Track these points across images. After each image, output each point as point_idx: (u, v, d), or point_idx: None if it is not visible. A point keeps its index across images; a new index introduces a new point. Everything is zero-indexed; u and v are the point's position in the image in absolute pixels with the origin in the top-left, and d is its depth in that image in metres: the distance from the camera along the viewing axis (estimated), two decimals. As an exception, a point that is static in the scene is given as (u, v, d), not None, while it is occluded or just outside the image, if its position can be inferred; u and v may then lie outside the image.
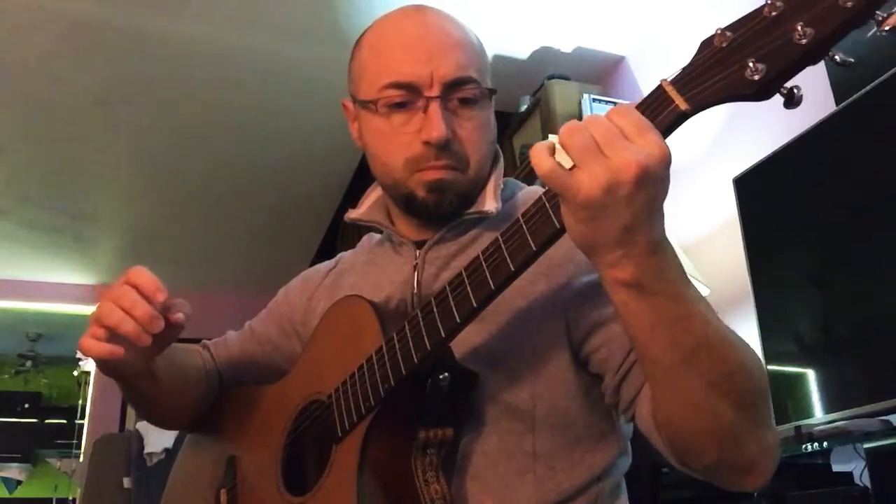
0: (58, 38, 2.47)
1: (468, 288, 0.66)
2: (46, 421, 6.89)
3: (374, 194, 0.96)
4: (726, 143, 2.08)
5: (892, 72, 1.39)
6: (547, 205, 0.60)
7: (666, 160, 0.53)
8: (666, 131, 0.54)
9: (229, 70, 2.69)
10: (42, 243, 4.18)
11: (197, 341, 1.06)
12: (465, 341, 0.75)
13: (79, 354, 0.78)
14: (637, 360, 0.68)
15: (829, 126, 1.54)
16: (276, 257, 4.20)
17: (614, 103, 2.36)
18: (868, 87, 1.45)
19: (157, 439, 2.94)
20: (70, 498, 5.78)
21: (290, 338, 1.01)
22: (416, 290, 0.85)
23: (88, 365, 4.81)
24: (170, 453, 2.92)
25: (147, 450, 2.96)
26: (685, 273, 0.59)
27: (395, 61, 0.82)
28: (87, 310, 4.41)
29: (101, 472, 3.01)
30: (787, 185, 1.66)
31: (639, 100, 0.56)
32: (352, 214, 0.94)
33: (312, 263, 1.09)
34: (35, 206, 3.73)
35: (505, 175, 0.91)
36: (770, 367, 1.57)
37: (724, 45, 0.52)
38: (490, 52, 0.90)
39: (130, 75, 2.69)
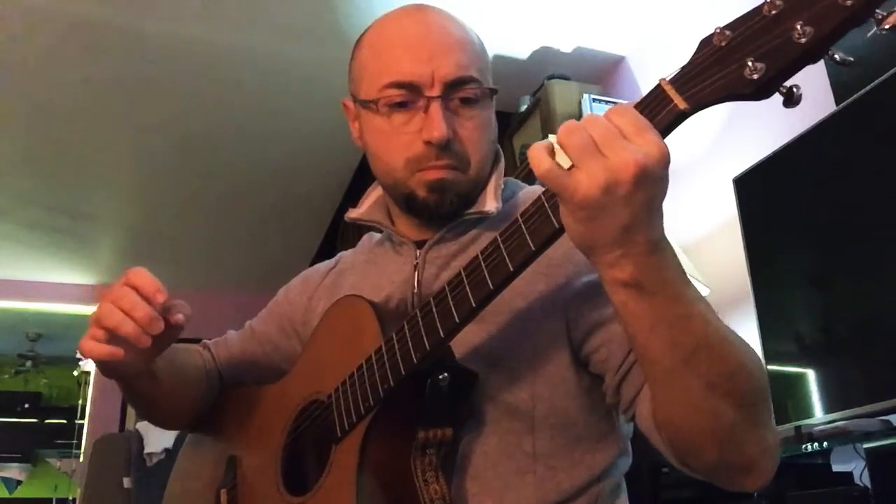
0: (58, 38, 2.47)
1: (467, 288, 0.66)
2: (46, 421, 6.89)
3: (374, 194, 0.96)
4: (726, 143, 2.08)
5: (892, 72, 1.39)
6: (546, 205, 0.60)
7: (665, 160, 0.53)
8: (665, 131, 0.54)
9: (229, 70, 2.69)
10: (42, 243, 4.18)
11: (197, 341, 1.06)
12: (464, 341, 0.75)
13: (79, 354, 0.78)
14: (637, 359, 0.68)
15: (829, 126, 1.54)
16: (276, 257, 4.20)
17: (614, 103, 2.35)
18: (868, 87, 1.44)
19: (157, 439, 2.94)
20: (70, 498, 5.78)
21: (291, 337, 1.01)
22: (416, 290, 0.84)
23: (88, 365, 4.81)
24: (170, 453, 2.92)
25: (147, 450, 2.96)
26: (685, 273, 0.59)
27: (396, 61, 0.82)
28: (87, 310, 4.44)
29: (101, 472, 3.01)
30: (787, 185, 1.65)
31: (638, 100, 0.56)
32: (352, 214, 0.94)
33: (312, 263, 1.09)
34: (35, 206, 3.73)
35: (505, 175, 0.91)
36: (770, 367, 1.57)
37: (723, 43, 0.52)
38: (490, 52, 0.90)
39: (130, 75, 2.69)
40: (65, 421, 6.43)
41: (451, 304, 0.68)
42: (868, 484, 1.41)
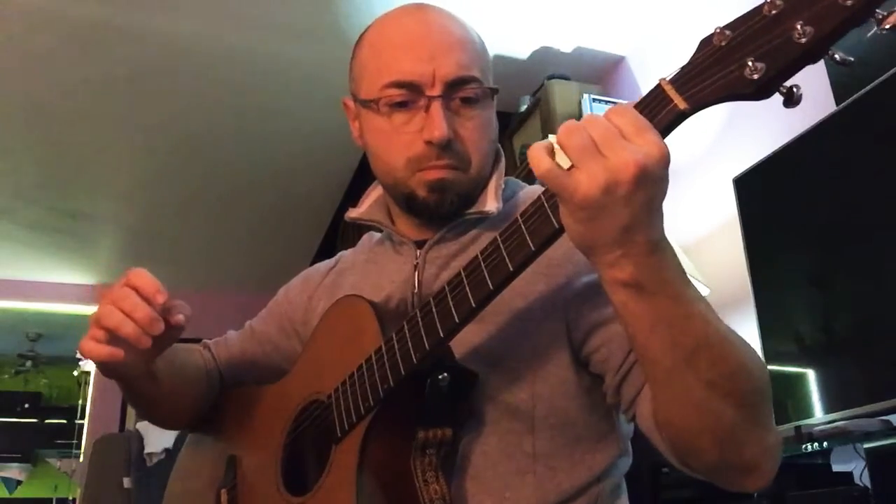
0: (58, 38, 2.47)
1: (467, 288, 0.66)
2: (46, 421, 6.89)
3: (374, 193, 0.96)
4: (726, 143, 2.08)
5: (892, 72, 1.39)
6: (546, 205, 0.60)
7: (664, 160, 0.53)
8: (665, 131, 0.54)
9: (229, 70, 2.69)
10: (42, 243, 4.18)
11: (197, 341, 1.06)
12: (464, 341, 0.75)
13: (79, 355, 0.78)
14: (637, 360, 0.68)
15: (829, 126, 1.54)
16: (276, 257, 4.20)
17: (614, 103, 2.35)
18: (868, 87, 1.44)
19: (157, 439, 2.95)
20: (70, 498, 5.78)
21: (291, 337, 1.01)
22: (416, 290, 0.84)
23: (88, 365, 4.81)
24: (170, 453, 2.92)
25: (147, 450, 2.96)
26: (685, 273, 0.59)
27: (397, 60, 0.82)
28: (87, 310, 4.44)
29: (101, 472, 3.01)
30: (787, 185, 1.66)
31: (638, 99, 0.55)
32: (352, 213, 0.94)
33: (312, 263, 1.09)
34: (35, 206, 3.73)
35: (505, 175, 0.91)
36: (770, 367, 1.57)
37: (723, 43, 0.52)
38: (490, 52, 0.90)
39: (130, 75, 2.69)
40: (65, 421, 6.43)
41: (450, 305, 0.67)
42: (868, 484, 1.41)
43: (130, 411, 4.38)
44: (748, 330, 1.64)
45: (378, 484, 0.73)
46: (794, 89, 0.50)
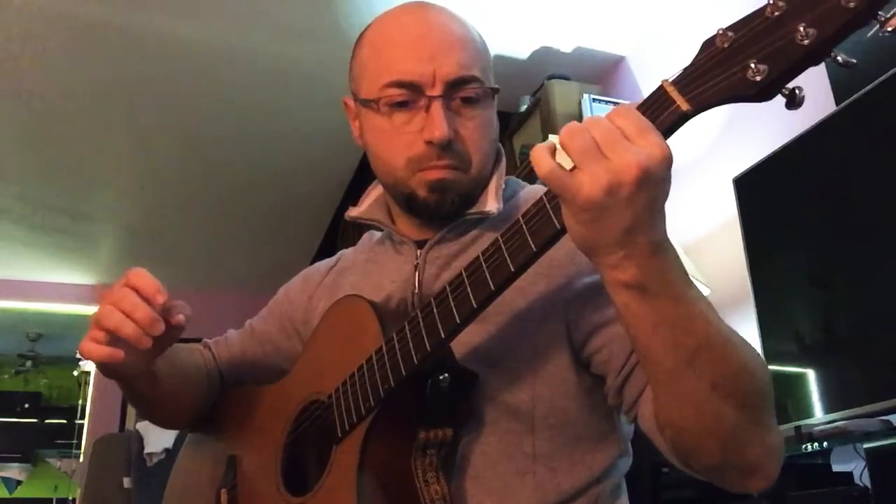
0: (58, 39, 2.47)
1: (468, 288, 0.66)
2: (46, 421, 6.89)
3: (374, 192, 0.96)
4: (726, 143, 2.08)
5: (892, 72, 1.39)
6: (547, 205, 0.60)
7: (667, 161, 0.53)
8: (667, 132, 0.54)
9: (229, 70, 2.68)
10: (42, 243, 4.18)
11: (197, 341, 1.06)
12: (464, 342, 0.75)
13: (79, 355, 0.78)
14: (639, 361, 0.68)
15: (829, 126, 1.54)
16: (276, 257, 4.20)
17: (614, 103, 2.36)
18: (868, 87, 1.45)
19: (157, 439, 2.94)
20: (70, 498, 5.78)
21: (291, 337, 1.01)
22: (416, 290, 0.84)
23: (88, 365, 4.82)
24: (170, 453, 2.92)
25: (147, 450, 2.96)
26: (687, 274, 0.59)
27: (397, 60, 0.82)
28: (88, 310, 4.44)
29: (101, 472, 3.01)
30: (787, 185, 1.66)
31: (639, 100, 0.55)
32: (352, 213, 0.94)
33: (312, 263, 1.09)
34: (35, 206, 3.73)
35: (505, 175, 0.91)
36: (770, 367, 1.57)
37: (725, 45, 0.52)
38: (490, 52, 0.90)
39: (130, 75, 2.69)
40: (65, 421, 6.43)
41: (452, 305, 0.67)
42: (868, 484, 1.41)
43: (130, 411, 4.39)
44: (748, 330, 1.64)
45: (379, 484, 0.73)
46: (797, 91, 0.51)
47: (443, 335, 0.68)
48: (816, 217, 1.58)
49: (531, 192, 0.91)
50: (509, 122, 2.57)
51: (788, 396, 1.54)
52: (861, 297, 1.46)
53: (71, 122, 2.99)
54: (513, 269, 0.62)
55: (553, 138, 0.55)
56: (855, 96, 1.48)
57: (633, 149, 0.52)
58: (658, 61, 2.48)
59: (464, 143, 0.82)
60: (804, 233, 1.61)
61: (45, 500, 6.36)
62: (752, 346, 0.64)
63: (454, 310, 0.67)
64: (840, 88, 1.68)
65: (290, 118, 3.01)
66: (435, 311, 0.69)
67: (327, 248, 3.82)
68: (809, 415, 1.48)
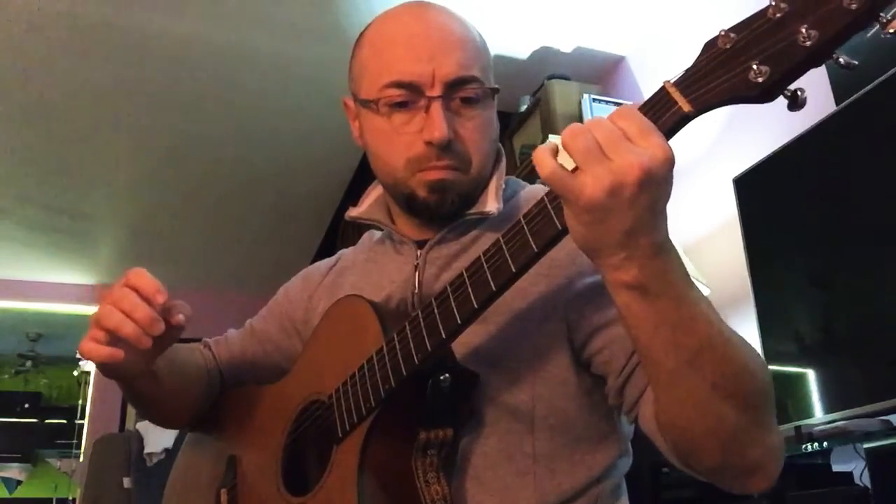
0: (58, 39, 2.47)
1: (469, 289, 0.66)
2: (46, 421, 6.88)
3: (374, 192, 0.96)
4: (726, 143, 2.08)
5: (892, 72, 1.39)
6: (549, 206, 0.60)
7: (669, 162, 0.53)
8: (669, 133, 0.54)
9: (229, 70, 2.68)
10: (42, 243, 4.18)
11: (197, 341, 1.06)
12: (464, 342, 0.75)
13: (79, 355, 0.78)
14: (640, 362, 0.68)
15: (829, 126, 1.54)
16: (276, 257, 4.20)
17: (614, 103, 2.36)
18: (868, 87, 1.45)
19: (157, 439, 2.94)
20: (70, 498, 5.78)
21: (291, 336, 1.01)
22: (416, 290, 0.84)
23: (88, 365, 4.81)
24: (170, 453, 2.92)
25: (147, 450, 2.96)
26: (688, 274, 0.59)
27: (397, 60, 0.81)
28: (87, 310, 4.44)
29: (101, 472, 3.01)
30: (787, 185, 1.66)
31: (640, 100, 0.55)
32: (352, 212, 0.94)
33: (312, 263, 1.09)
34: (35, 206, 3.72)
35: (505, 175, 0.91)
36: (770, 367, 1.57)
37: (727, 46, 0.52)
38: (490, 52, 0.90)
39: (130, 75, 2.69)
40: (65, 421, 6.42)
41: (453, 305, 0.67)
42: (868, 484, 1.41)
43: (130, 411, 4.38)
44: (748, 330, 1.64)
45: (379, 484, 0.73)
46: (799, 92, 0.51)
47: (444, 335, 0.68)
48: (816, 217, 1.58)
49: (531, 192, 0.91)
50: (509, 122, 2.57)
51: (788, 396, 1.54)
52: (861, 297, 1.46)
53: (70, 123, 2.98)
54: (514, 270, 0.62)
55: (554, 139, 0.55)
56: (855, 96, 1.48)
57: (635, 150, 0.52)
58: (658, 61, 2.48)
59: (464, 144, 0.82)
60: (804, 233, 1.61)
61: (45, 500, 6.35)
62: (752, 346, 0.64)
63: (455, 310, 0.67)
64: (840, 88, 1.68)
65: (290, 118, 3.01)
66: (436, 311, 0.69)
67: (327, 248, 3.82)
68: (809, 415, 1.48)
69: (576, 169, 0.54)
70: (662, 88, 0.55)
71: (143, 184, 3.57)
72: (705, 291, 1.81)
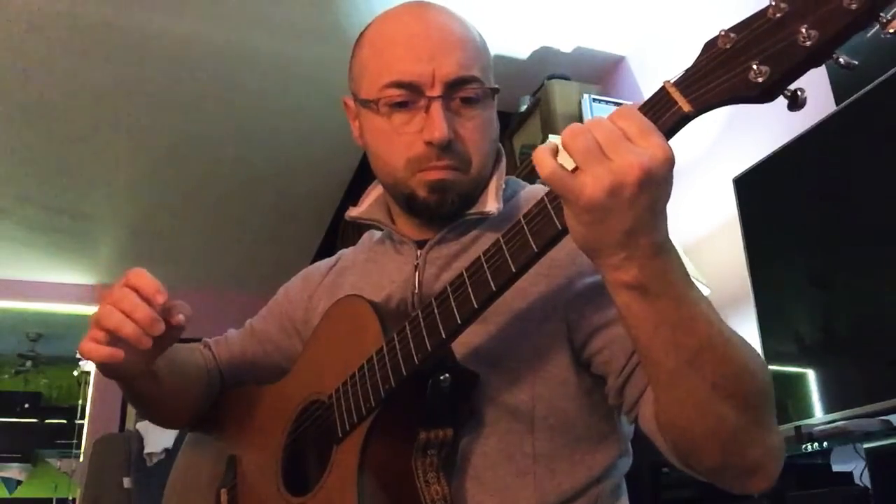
0: (58, 39, 2.47)
1: (469, 289, 0.66)
2: (46, 421, 6.88)
3: (374, 192, 0.96)
4: (726, 143, 2.08)
5: (892, 72, 1.39)
6: (549, 206, 0.60)
7: (669, 162, 0.53)
8: (669, 133, 0.54)
9: (229, 70, 2.68)
10: (42, 243, 4.18)
11: (197, 341, 1.06)
12: (465, 342, 0.75)
13: (79, 355, 0.78)
14: (640, 362, 0.68)
15: (829, 126, 1.54)
16: (276, 257, 4.20)
17: (614, 103, 2.36)
18: (868, 87, 1.45)
19: (157, 439, 2.94)
20: (70, 498, 5.78)
21: (291, 336, 1.01)
22: (416, 290, 0.84)
23: (88, 365, 4.81)
24: (170, 453, 2.92)
25: (147, 450, 2.96)
26: (688, 274, 0.59)
27: (397, 60, 0.81)
28: (87, 310, 4.44)
29: (101, 472, 3.01)
30: (787, 185, 1.66)
31: (640, 100, 0.55)
32: (352, 212, 0.94)
33: (312, 263, 1.09)
34: (35, 206, 3.72)
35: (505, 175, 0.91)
36: (770, 367, 1.57)
37: (727, 46, 0.52)
38: (490, 52, 0.90)
39: (130, 75, 2.69)
40: (65, 421, 6.42)
41: (453, 305, 0.67)
42: (868, 484, 1.41)
43: (130, 411, 4.38)
44: (748, 330, 1.64)
45: (379, 484, 0.73)
46: (799, 92, 0.51)
47: (444, 335, 0.68)
48: (816, 217, 1.58)
49: (531, 192, 0.91)
50: (509, 122, 2.57)
51: (788, 396, 1.54)
52: (861, 297, 1.46)
53: (70, 123, 2.98)
54: (514, 270, 0.62)
55: (554, 139, 0.55)
56: (855, 96, 1.48)
57: (635, 150, 0.52)
58: (658, 61, 2.48)
59: (463, 144, 0.82)
60: (804, 233, 1.61)
61: (45, 500, 6.35)
62: (752, 346, 0.64)
63: (455, 310, 0.67)
64: (840, 88, 1.68)
65: (289, 118, 3.01)
66: (436, 311, 0.69)
67: (327, 248, 3.82)
68: (809, 415, 1.48)
69: (576, 169, 0.54)
70: (662, 88, 0.55)
71: (143, 184, 3.57)
72: (705, 291, 1.81)
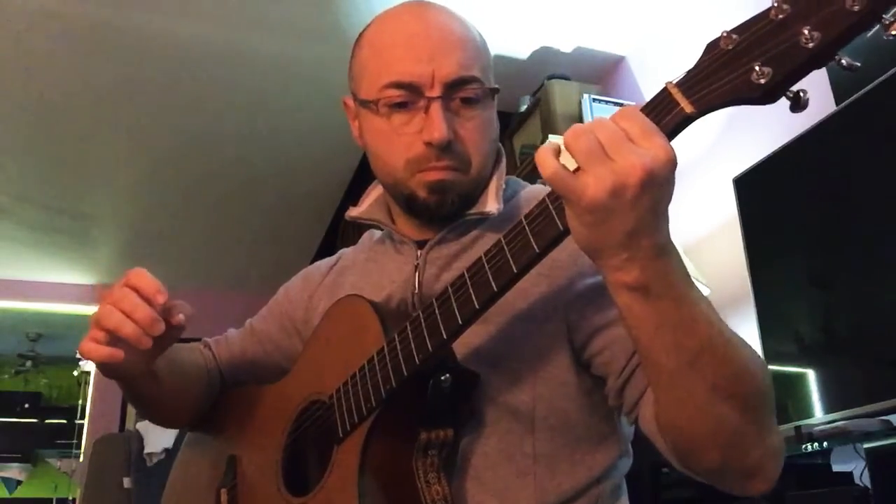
0: (58, 39, 2.47)
1: (470, 289, 0.66)
2: (46, 421, 6.88)
3: (374, 192, 0.96)
4: (726, 143, 2.08)
5: (892, 72, 1.39)
6: (550, 207, 0.60)
7: (671, 163, 0.53)
8: (671, 134, 0.54)
9: (229, 70, 2.68)
10: (42, 243, 4.18)
11: (197, 341, 1.06)
12: (465, 342, 0.75)
13: (79, 355, 0.78)
14: (640, 363, 0.68)
15: (829, 126, 1.54)
16: (276, 257, 4.20)
17: (614, 103, 2.36)
18: (868, 87, 1.45)
19: (157, 439, 2.94)
20: (70, 498, 5.78)
21: (291, 336, 1.01)
22: (416, 290, 0.84)
23: (88, 365, 4.81)
24: (170, 453, 2.92)
25: (147, 450, 2.96)
26: (689, 276, 0.59)
27: (396, 60, 0.81)
28: (87, 310, 4.44)
29: (101, 472, 3.01)
30: (787, 185, 1.66)
31: (640, 100, 0.55)
32: (352, 212, 0.94)
33: (312, 263, 1.09)
34: (35, 206, 3.72)
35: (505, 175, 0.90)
36: (770, 367, 1.57)
37: (730, 47, 0.52)
38: (490, 52, 0.90)
39: (130, 75, 2.69)
40: (65, 421, 6.42)
41: (454, 306, 0.67)
42: (868, 484, 1.41)
43: (130, 411, 4.38)
44: (748, 330, 1.65)
45: (380, 484, 0.73)
46: (801, 94, 0.50)
47: (445, 336, 0.68)
48: (816, 217, 1.58)
49: (532, 193, 0.91)
50: (509, 122, 2.57)
51: (788, 396, 1.54)
52: (861, 297, 1.46)
53: (71, 122, 2.98)
54: (515, 271, 0.62)
55: (554, 139, 0.55)
56: (855, 96, 1.48)
57: (637, 151, 0.52)
58: (658, 61, 2.48)
59: (463, 144, 0.82)
60: (804, 233, 1.61)
61: (45, 500, 6.35)
62: (752, 348, 0.64)
63: (456, 310, 0.67)
64: (840, 88, 1.68)
65: (290, 118, 3.01)
66: (437, 311, 0.69)
67: (327, 248, 3.82)
68: (809, 415, 1.48)
69: (578, 169, 0.54)
70: (665, 89, 0.55)
71: (143, 184, 3.57)
72: (705, 291, 1.81)
